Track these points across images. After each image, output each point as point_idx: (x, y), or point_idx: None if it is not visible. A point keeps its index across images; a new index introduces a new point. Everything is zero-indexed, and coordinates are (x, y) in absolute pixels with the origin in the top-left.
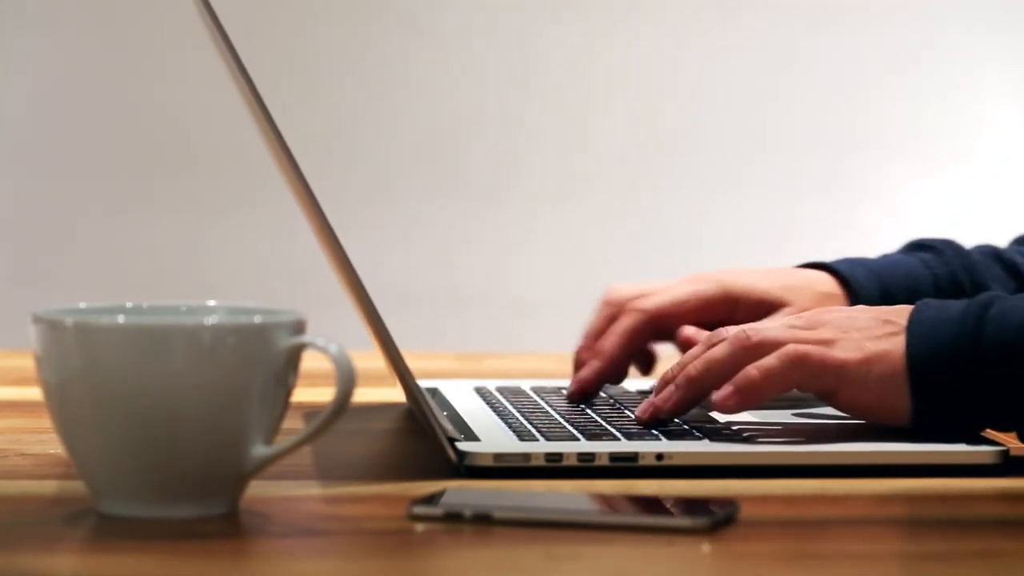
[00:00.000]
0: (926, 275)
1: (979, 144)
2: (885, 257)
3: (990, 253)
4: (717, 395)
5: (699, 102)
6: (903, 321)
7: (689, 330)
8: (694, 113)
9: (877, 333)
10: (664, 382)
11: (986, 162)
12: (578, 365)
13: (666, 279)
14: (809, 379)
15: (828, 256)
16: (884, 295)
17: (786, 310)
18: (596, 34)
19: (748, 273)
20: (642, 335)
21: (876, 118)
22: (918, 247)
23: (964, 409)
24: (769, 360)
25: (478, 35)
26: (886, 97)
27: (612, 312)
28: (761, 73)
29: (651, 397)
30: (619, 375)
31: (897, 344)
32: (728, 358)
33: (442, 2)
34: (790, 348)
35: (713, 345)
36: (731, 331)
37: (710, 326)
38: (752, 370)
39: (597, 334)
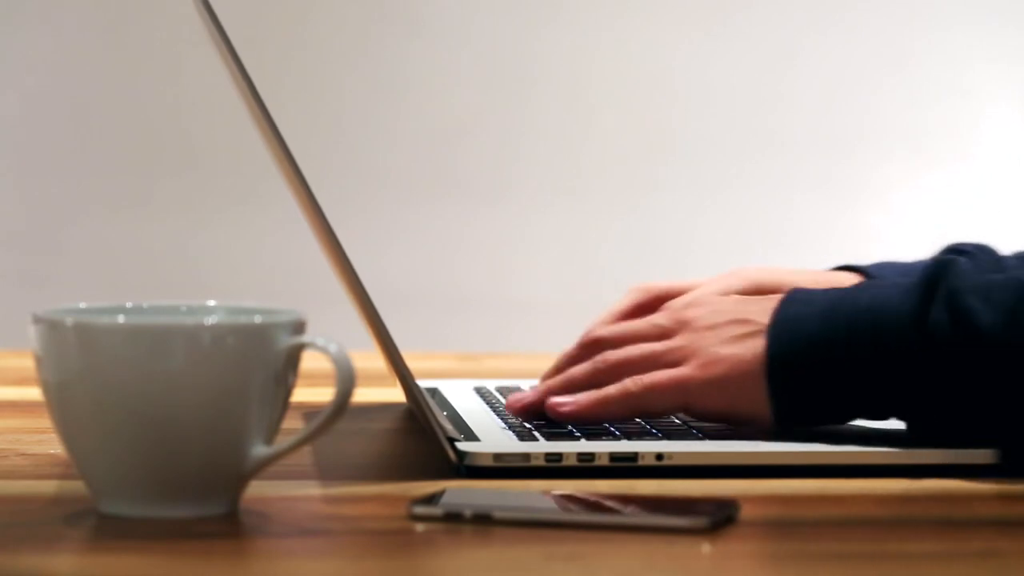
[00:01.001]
0: None
1: (977, 144)
2: (919, 261)
3: None
4: (553, 399)
5: (698, 102)
6: (763, 319)
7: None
8: (693, 113)
9: (730, 334)
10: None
11: (984, 162)
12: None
13: (701, 276)
14: (653, 408)
15: (833, 257)
16: None
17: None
18: (595, 34)
19: (783, 272)
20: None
21: (874, 118)
22: (954, 252)
23: (830, 404)
24: (611, 395)
25: (478, 35)
26: (884, 97)
27: (640, 299)
28: (760, 73)
29: (530, 390)
30: None
31: (751, 347)
32: (585, 377)
33: (442, 2)
34: (628, 389)
35: (589, 347)
36: (596, 334)
37: None
38: (593, 402)
39: (620, 315)
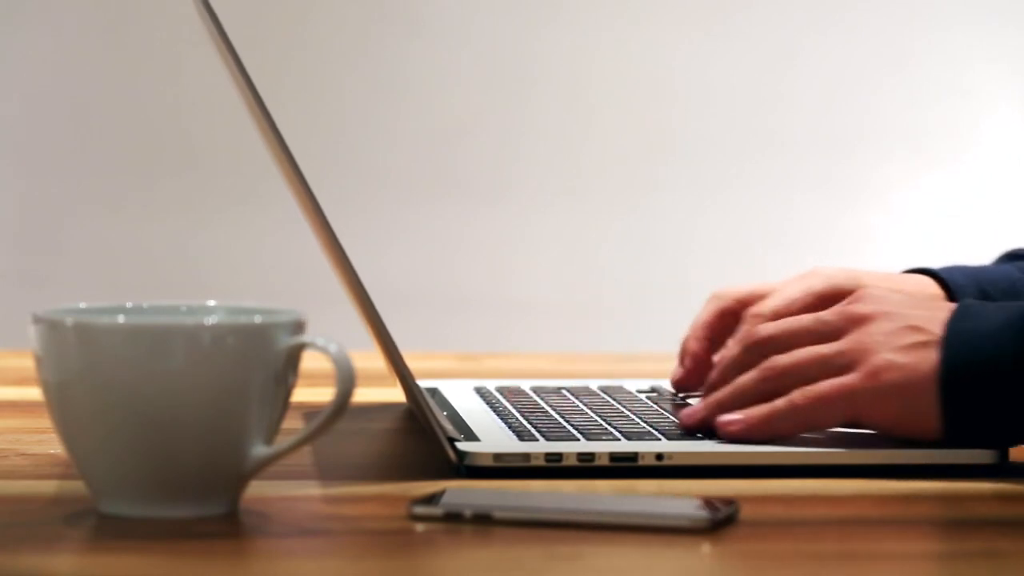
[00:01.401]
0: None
1: (977, 144)
2: (983, 267)
3: None
4: (723, 417)
5: (698, 102)
6: (936, 328)
7: (679, 373)
8: (693, 113)
9: (904, 342)
10: (708, 390)
11: (984, 162)
12: (685, 352)
13: (706, 283)
14: (821, 423)
15: (829, 257)
16: (982, 297)
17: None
18: (595, 34)
19: (860, 274)
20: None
21: (874, 118)
22: (1015, 257)
23: (1000, 423)
24: (779, 406)
25: (478, 35)
26: (884, 97)
27: (723, 307)
28: (760, 73)
29: (700, 403)
30: None
31: (927, 359)
32: (754, 386)
33: (442, 2)
34: (798, 398)
35: (752, 347)
36: (763, 335)
37: None
38: (763, 412)
39: (708, 326)
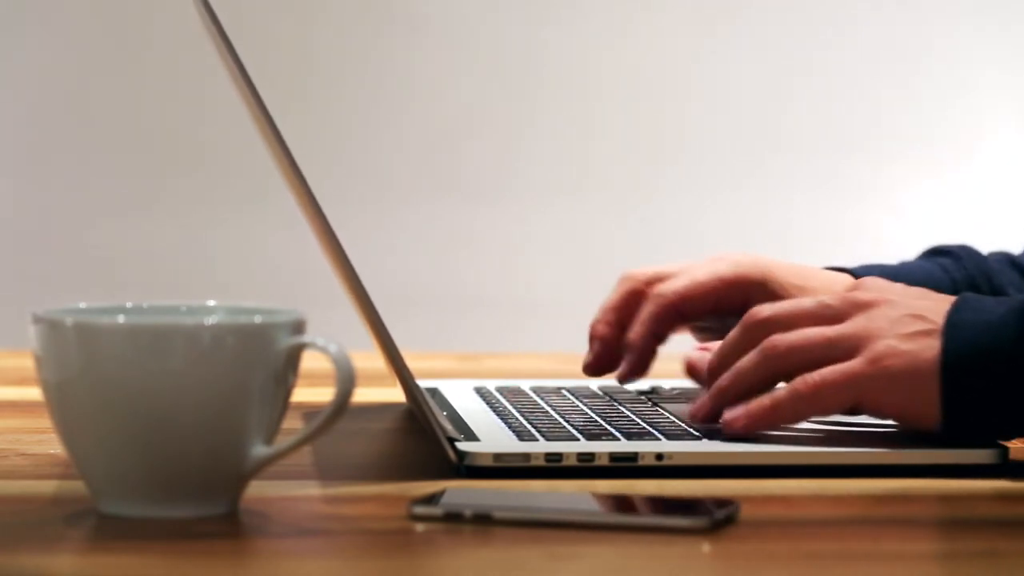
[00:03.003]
0: (945, 280)
1: (981, 145)
2: (903, 264)
3: (1006, 259)
4: (727, 414)
5: (702, 102)
6: (938, 319)
7: (695, 355)
8: (697, 113)
9: (908, 329)
10: (711, 377)
11: (988, 163)
12: (594, 337)
13: (683, 261)
14: (824, 410)
15: (834, 258)
16: None
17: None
18: (599, 33)
19: (769, 262)
20: (665, 322)
21: (879, 119)
22: (936, 253)
23: (999, 414)
24: (781, 397)
25: (480, 33)
26: (888, 98)
27: (631, 288)
28: (764, 73)
29: (705, 395)
30: (646, 364)
31: (930, 347)
32: (755, 369)
33: (444, 1)
34: (800, 386)
35: (752, 329)
36: (763, 314)
37: (730, 309)
38: (766, 400)
39: (615, 309)
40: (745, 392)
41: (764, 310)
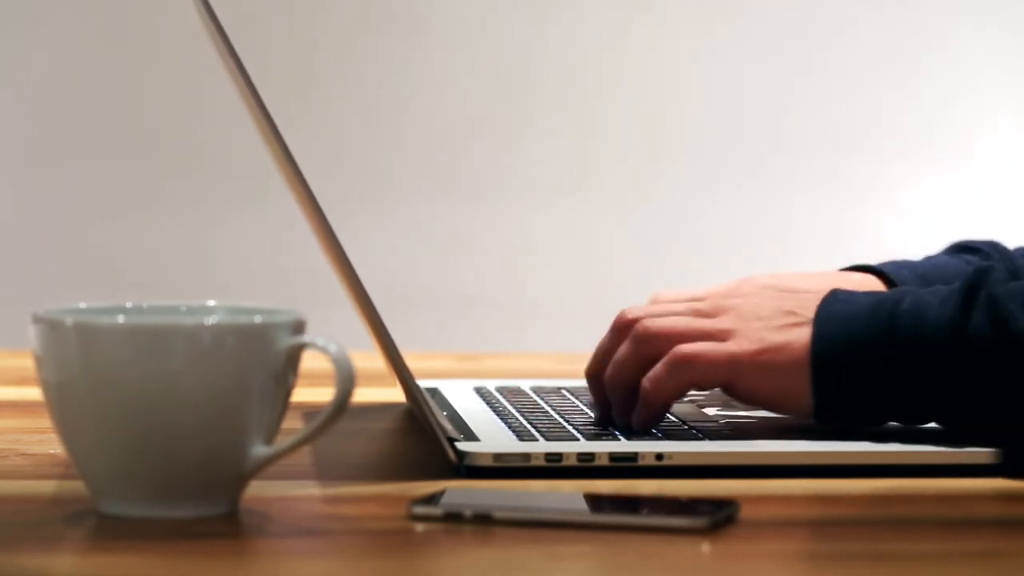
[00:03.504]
0: None
1: (981, 144)
2: (930, 259)
3: None
4: (632, 420)
5: (702, 103)
6: (808, 313)
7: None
8: (697, 113)
9: (779, 323)
10: (590, 383)
11: (988, 163)
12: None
13: (711, 284)
14: (702, 378)
15: (835, 258)
16: None
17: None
18: (599, 33)
19: (795, 276)
20: None
21: (879, 118)
22: (963, 249)
23: (869, 403)
24: (658, 369)
25: (481, 33)
26: (888, 98)
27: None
28: (765, 74)
29: (594, 401)
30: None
31: (800, 336)
32: (632, 355)
33: (444, 1)
34: (677, 351)
35: (621, 330)
36: (631, 315)
37: None
38: (645, 382)
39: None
40: (634, 378)
41: (633, 311)
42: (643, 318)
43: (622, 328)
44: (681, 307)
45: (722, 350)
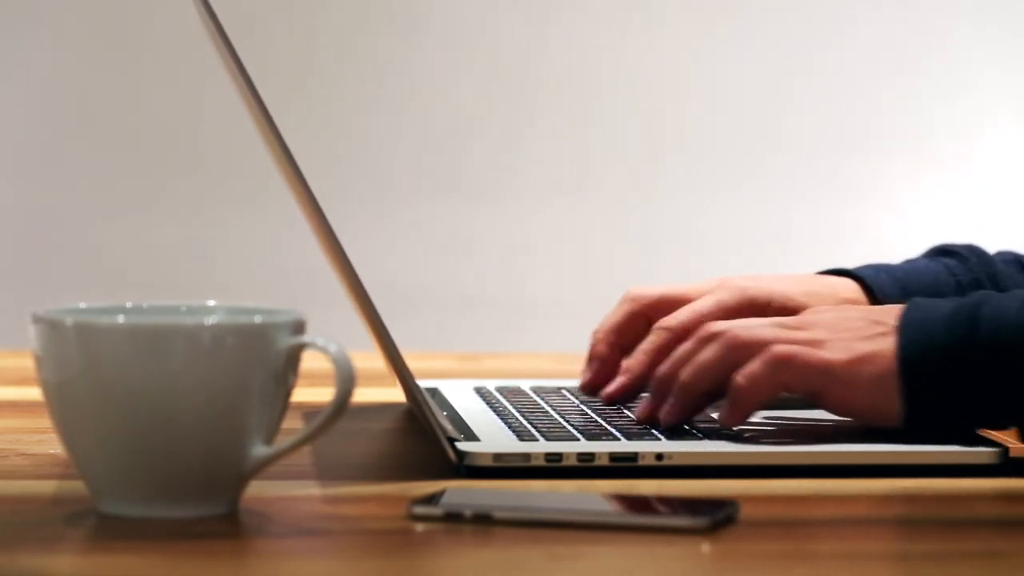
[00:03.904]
0: (950, 281)
1: (980, 145)
2: (909, 262)
3: (1013, 260)
4: (720, 417)
5: (702, 103)
6: (893, 321)
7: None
8: (697, 113)
9: (867, 333)
10: (660, 383)
11: (987, 163)
12: (593, 356)
13: (687, 281)
14: (796, 380)
15: (835, 258)
16: (905, 297)
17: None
18: (600, 34)
19: (771, 279)
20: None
21: (879, 119)
22: (942, 252)
23: (956, 409)
24: (754, 366)
25: (481, 33)
26: (888, 98)
27: (634, 310)
28: (764, 74)
29: (649, 399)
30: (639, 392)
31: (887, 345)
32: (717, 360)
33: (444, 1)
34: (775, 350)
35: (703, 341)
36: (718, 327)
37: None
38: (739, 379)
39: (616, 331)
40: (713, 383)
41: (719, 323)
42: (730, 328)
43: (706, 337)
44: (766, 322)
45: (817, 356)
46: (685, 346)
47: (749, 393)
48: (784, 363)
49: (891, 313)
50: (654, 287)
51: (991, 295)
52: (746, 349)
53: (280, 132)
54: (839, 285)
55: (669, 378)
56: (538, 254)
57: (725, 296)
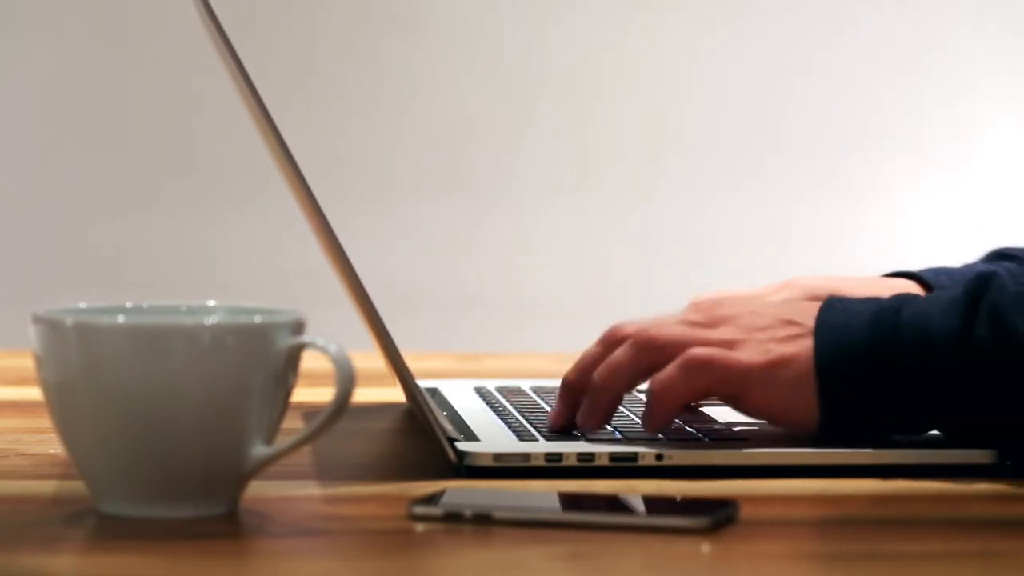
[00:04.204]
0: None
1: (980, 145)
2: (968, 267)
3: None
4: (641, 421)
5: (702, 103)
6: (809, 323)
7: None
8: (697, 114)
9: (782, 335)
10: (567, 388)
11: (987, 163)
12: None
13: (709, 283)
14: (713, 384)
15: (835, 258)
16: None
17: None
18: (600, 34)
19: (837, 281)
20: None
21: (879, 119)
22: (1000, 256)
23: (874, 412)
24: (669, 370)
25: (481, 33)
26: (887, 98)
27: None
28: (764, 74)
29: (557, 405)
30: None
31: (803, 347)
32: (630, 361)
33: (445, 1)
34: (691, 353)
35: (616, 343)
36: (630, 329)
37: None
38: (655, 384)
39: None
40: (628, 385)
41: (628, 326)
42: (642, 328)
43: (616, 340)
44: (676, 320)
45: (735, 359)
46: (592, 351)
47: (666, 398)
48: (700, 367)
49: (804, 313)
50: (718, 292)
51: (914, 297)
52: (658, 350)
53: (280, 132)
54: (903, 287)
55: (576, 382)
56: (538, 254)
57: (789, 294)
